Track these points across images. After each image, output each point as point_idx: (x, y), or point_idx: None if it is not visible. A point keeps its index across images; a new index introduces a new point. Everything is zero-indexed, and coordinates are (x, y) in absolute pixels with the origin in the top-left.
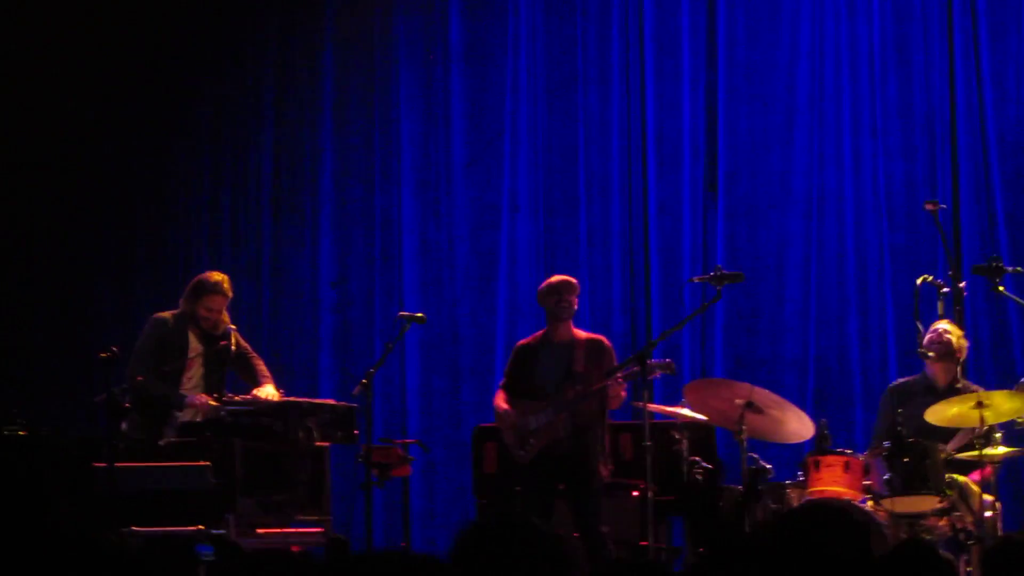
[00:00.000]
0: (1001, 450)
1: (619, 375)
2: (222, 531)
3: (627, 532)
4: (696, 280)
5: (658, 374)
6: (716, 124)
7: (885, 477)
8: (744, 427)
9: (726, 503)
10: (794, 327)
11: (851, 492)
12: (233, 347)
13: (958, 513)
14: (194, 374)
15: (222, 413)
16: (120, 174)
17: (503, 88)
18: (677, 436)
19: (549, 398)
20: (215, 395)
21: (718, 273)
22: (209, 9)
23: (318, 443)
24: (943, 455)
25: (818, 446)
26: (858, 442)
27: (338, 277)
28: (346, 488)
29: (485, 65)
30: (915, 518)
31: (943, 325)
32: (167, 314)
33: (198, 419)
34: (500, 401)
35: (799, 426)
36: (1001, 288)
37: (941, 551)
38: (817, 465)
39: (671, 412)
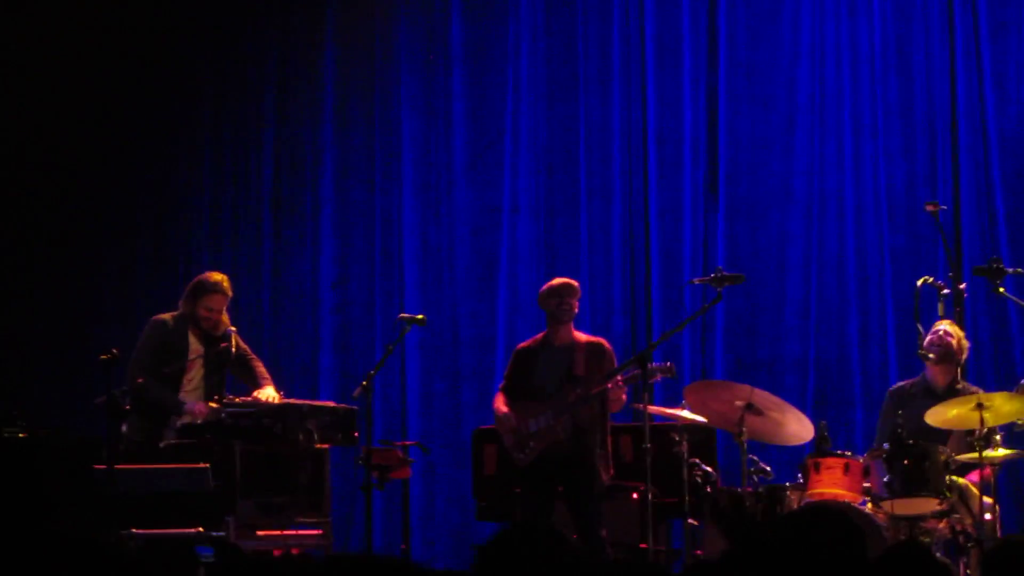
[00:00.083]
0: (1001, 452)
1: (620, 378)
2: (222, 533)
3: (627, 534)
4: (696, 282)
5: (659, 378)
6: (717, 125)
7: (884, 479)
8: (744, 429)
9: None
10: (794, 329)
11: (850, 494)
12: (233, 349)
13: (957, 515)
14: (194, 376)
15: (222, 415)
16: (121, 175)
17: (504, 89)
18: (677, 438)
19: (549, 401)
20: (215, 396)
21: (718, 275)
22: (210, 10)
23: (318, 445)
24: (943, 457)
25: (818, 448)
26: (858, 444)
27: (338, 278)
28: (346, 490)
29: (486, 66)
30: (914, 520)
31: (944, 326)
32: (167, 316)
33: (198, 421)
34: (500, 404)
35: (799, 428)
36: (1001, 289)
37: (938, 555)
38: (817, 467)
39: (671, 414)
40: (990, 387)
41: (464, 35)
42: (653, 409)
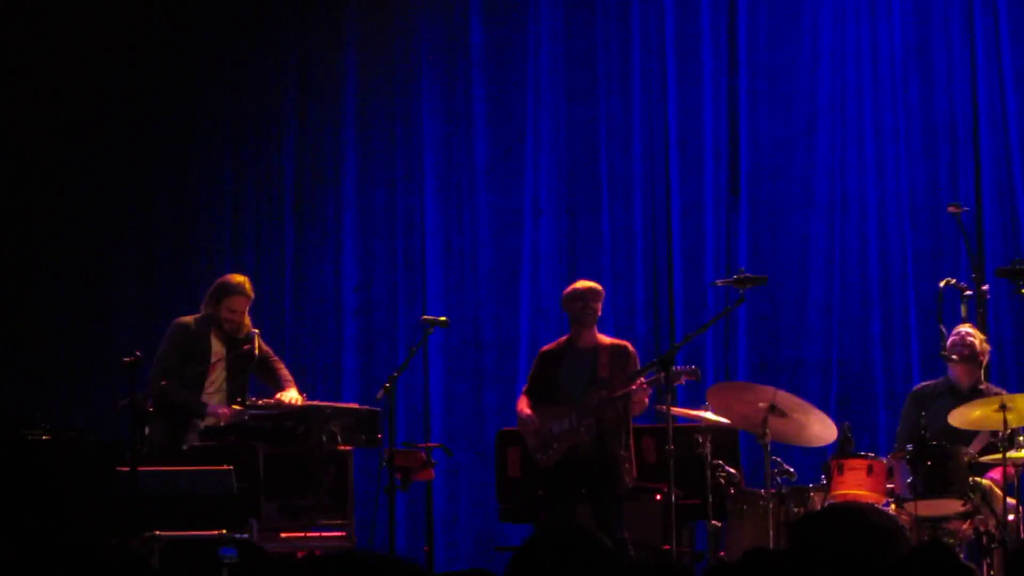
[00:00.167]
0: None
1: (644, 381)
2: (245, 535)
3: (650, 536)
4: (719, 283)
5: (683, 380)
6: (738, 127)
7: (908, 480)
8: (767, 431)
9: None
10: (817, 330)
11: (874, 495)
12: (256, 351)
13: (981, 516)
14: (217, 378)
15: (245, 417)
16: (143, 179)
17: (525, 92)
18: (700, 440)
19: (573, 403)
20: (238, 399)
21: (741, 276)
22: (231, 13)
23: (341, 447)
24: (966, 459)
25: (841, 449)
26: (881, 445)
27: (361, 281)
28: (369, 492)
29: (506, 69)
30: (938, 521)
31: (966, 328)
32: (189, 319)
33: (220, 424)
34: (523, 406)
35: (822, 429)
36: None
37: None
38: (840, 468)
39: (694, 416)
40: (1013, 388)
41: (484, 38)
42: (676, 411)
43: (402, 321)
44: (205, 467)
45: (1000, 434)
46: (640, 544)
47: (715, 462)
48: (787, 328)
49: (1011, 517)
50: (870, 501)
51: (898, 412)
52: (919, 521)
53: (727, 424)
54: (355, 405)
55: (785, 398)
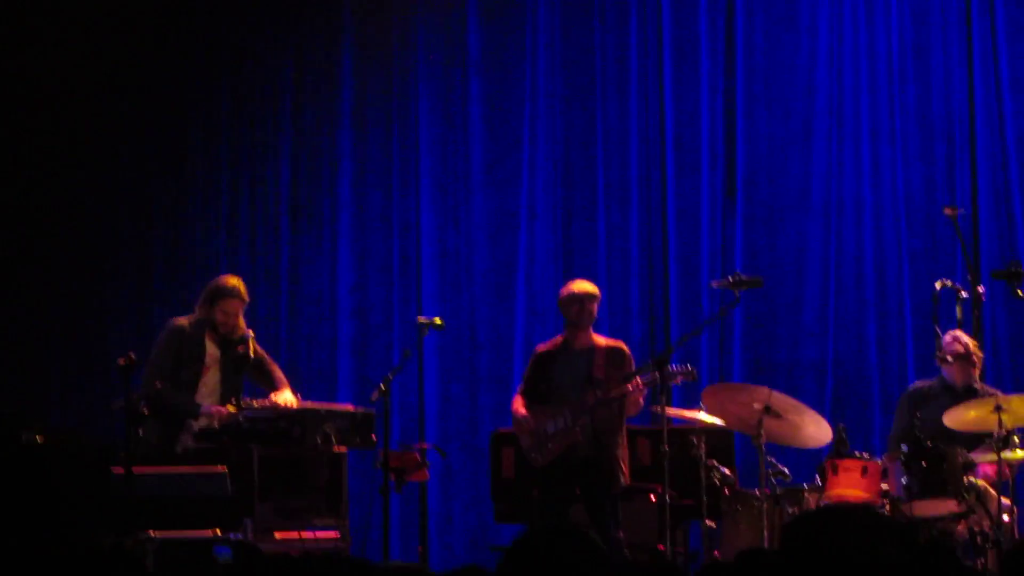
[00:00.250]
0: (1020, 454)
1: (640, 382)
2: (239, 536)
3: (645, 536)
4: (715, 285)
5: (679, 380)
6: (734, 129)
7: (903, 481)
8: (762, 432)
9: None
10: (812, 332)
11: (869, 496)
12: (251, 353)
13: (976, 517)
14: (211, 380)
15: (240, 419)
16: (137, 180)
17: (522, 94)
18: (695, 441)
19: (568, 403)
20: (232, 400)
21: (736, 278)
22: (227, 15)
23: (336, 448)
24: (961, 459)
25: (836, 450)
26: (876, 446)
27: (356, 283)
28: (364, 493)
29: (503, 72)
30: (933, 522)
31: (958, 332)
32: (184, 320)
33: (215, 425)
34: (518, 406)
35: (817, 430)
36: (1020, 292)
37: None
38: (835, 469)
39: (689, 417)
40: (1008, 389)
41: (481, 40)
42: (671, 411)
43: (397, 323)
44: (199, 468)
45: (995, 435)
46: (635, 545)
47: (710, 463)
48: (782, 329)
49: (1006, 518)
50: (865, 502)
51: (893, 413)
52: (915, 522)
53: (722, 425)
54: (350, 406)
55: (780, 399)
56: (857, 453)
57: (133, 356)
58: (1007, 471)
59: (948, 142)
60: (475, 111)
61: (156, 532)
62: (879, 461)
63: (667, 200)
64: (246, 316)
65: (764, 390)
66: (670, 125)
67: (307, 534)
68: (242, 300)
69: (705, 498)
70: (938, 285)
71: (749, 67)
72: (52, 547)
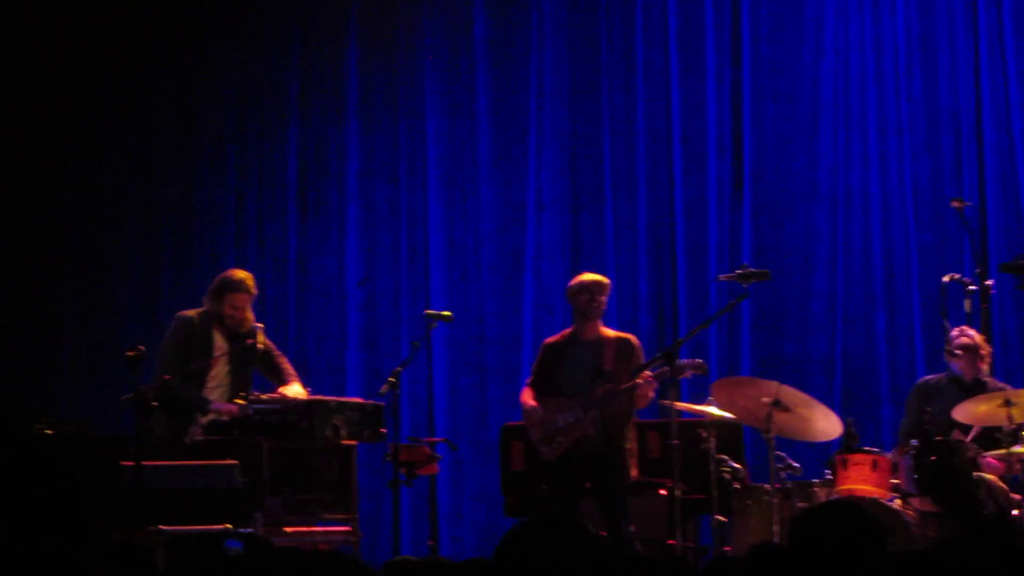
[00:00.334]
0: None
1: (651, 375)
2: (249, 529)
3: (655, 530)
4: (723, 278)
5: (689, 374)
6: (741, 121)
7: (913, 475)
8: (772, 425)
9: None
10: (821, 325)
11: (879, 490)
12: (259, 346)
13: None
14: (219, 372)
15: (249, 412)
16: (146, 173)
17: (528, 85)
18: (704, 435)
19: (577, 396)
20: (241, 393)
21: (744, 271)
22: (234, 6)
23: (345, 441)
24: (971, 453)
25: (845, 444)
26: (885, 440)
27: (364, 276)
28: (373, 486)
29: (510, 63)
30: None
31: (965, 327)
32: (192, 312)
33: (224, 418)
34: (527, 398)
35: (826, 424)
36: None
37: None
38: (845, 463)
39: (698, 410)
40: (1018, 383)
41: (488, 32)
42: (680, 405)
43: (405, 315)
44: (209, 461)
45: (1004, 429)
46: (645, 539)
47: (719, 457)
48: (791, 323)
49: (1015, 512)
50: (875, 496)
51: (902, 407)
52: (924, 516)
53: (731, 419)
54: (359, 399)
55: (789, 393)
56: (867, 448)
57: (142, 348)
58: (1017, 466)
59: (955, 134)
60: (482, 103)
61: (166, 526)
62: (889, 455)
63: (674, 192)
64: (255, 308)
65: (773, 384)
66: (677, 117)
67: (317, 528)
68: (250, 294)
69: (715, 492)
70: (946, 278)
71: (756, 59)
72: (62, 541)
